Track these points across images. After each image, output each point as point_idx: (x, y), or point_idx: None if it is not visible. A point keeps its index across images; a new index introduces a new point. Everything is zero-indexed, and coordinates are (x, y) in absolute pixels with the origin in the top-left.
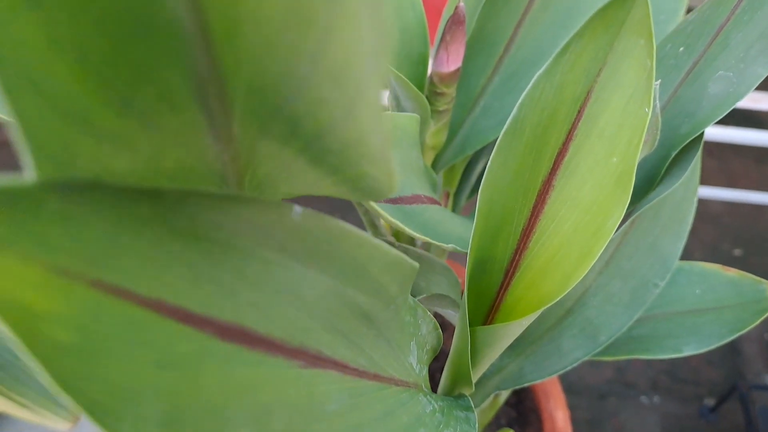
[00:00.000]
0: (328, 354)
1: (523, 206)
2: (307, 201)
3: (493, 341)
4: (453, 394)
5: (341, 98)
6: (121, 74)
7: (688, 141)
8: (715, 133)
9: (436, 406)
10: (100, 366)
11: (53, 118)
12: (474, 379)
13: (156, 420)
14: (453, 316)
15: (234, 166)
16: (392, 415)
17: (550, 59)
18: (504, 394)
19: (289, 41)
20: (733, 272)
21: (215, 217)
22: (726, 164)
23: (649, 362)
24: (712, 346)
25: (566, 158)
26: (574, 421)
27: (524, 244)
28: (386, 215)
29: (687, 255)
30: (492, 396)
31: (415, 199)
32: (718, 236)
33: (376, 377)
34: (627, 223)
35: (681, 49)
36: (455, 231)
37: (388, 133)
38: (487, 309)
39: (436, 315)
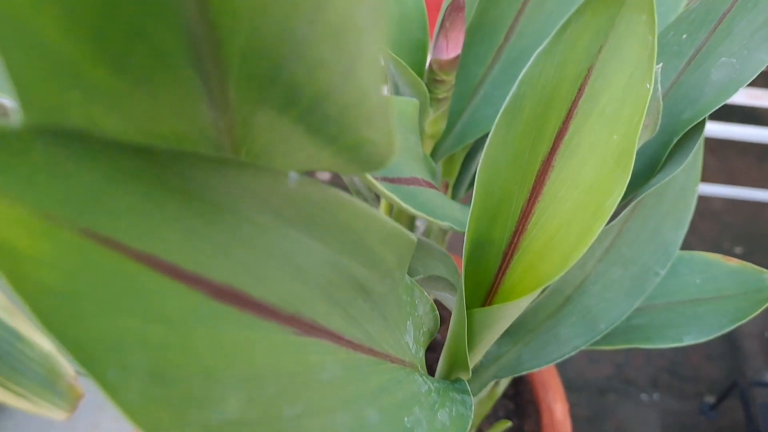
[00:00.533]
0: (323, 324)
1: (522, 187)
2: None
3: (490, 323)
4: (450, 380)
5: (341, 58)
6: (112, 29)
7: (690, 127)
8: (716, 130)
9: (431, 386)
10: (88, 313)
11: (42, 68)
12: (471, 364)
13: (143, 372)
14: (451, 301)
15: (230, 136)
16: (387, 391)
17: (551, 36)
18: (502, 385)
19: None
20: (734, 262)
21: (209, 179)
22: (727, 162)
23: (648, 359)
24: (713, 336)
25: (566, 137)
26: (574, 418)
27: (523, 226)
28: (383, 189)
29: None
30: (490, 386)
31: (413, 181)
32: (719, 234)
33: (371, 352)
34: (628, 209)
35: (684, 36)
36: (453, 214)
37: (386, 91)
38: (484, 293)
39: (436, 305)
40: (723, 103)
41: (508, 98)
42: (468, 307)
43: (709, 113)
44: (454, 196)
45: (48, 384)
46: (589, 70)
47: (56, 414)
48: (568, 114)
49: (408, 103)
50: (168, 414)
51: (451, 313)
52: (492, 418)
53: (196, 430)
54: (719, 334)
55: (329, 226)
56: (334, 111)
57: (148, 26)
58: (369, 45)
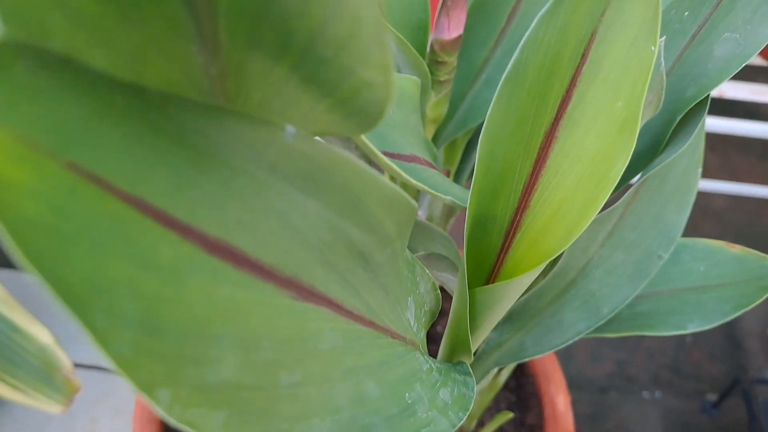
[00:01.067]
0: (322, 290)
1: (524, 160)
2: None
3: (492, 303)
4: (452, 362)
5: None
6: None
7: (693, 104)
8: (718, 125)
9: (433, 366)
10: (74, 250)
11: None
12: (473, 347)
13: (134, 321)
14: (453, 282)
15: (222, 86)
16: (388, 365)
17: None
18: (504, 375)
19: None
20: (737, 249)
21: (202, 125)
22: (729, 161)
23: (650, 357)
24: (717, 323)
25: (570, 107)
26: (575, 415)
27: (526, 202)
28: (385, 159)
29: None
30: (491, 376)
31: (413, 159)
32: (721, 233)
33: (371, 324)
34: (630, 192)
35: (686, 13)
36: (454, 191)
37: (382, 16)
38: (487, 273)
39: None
40: (726, 79)
41: (510, 65)
42: (470, 287)
43: (713, 88)
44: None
45: (44, 376)
46: (593, 35)
47: (52, 407)
48: (571, 82)
49: (409, 81)
50: (161, 369)
51: (451, 304)
52: (494, 410)
53: (190, 388)
54: (723, 321)
55: (326, 185)
56: (329, 51)
57: None
58: None
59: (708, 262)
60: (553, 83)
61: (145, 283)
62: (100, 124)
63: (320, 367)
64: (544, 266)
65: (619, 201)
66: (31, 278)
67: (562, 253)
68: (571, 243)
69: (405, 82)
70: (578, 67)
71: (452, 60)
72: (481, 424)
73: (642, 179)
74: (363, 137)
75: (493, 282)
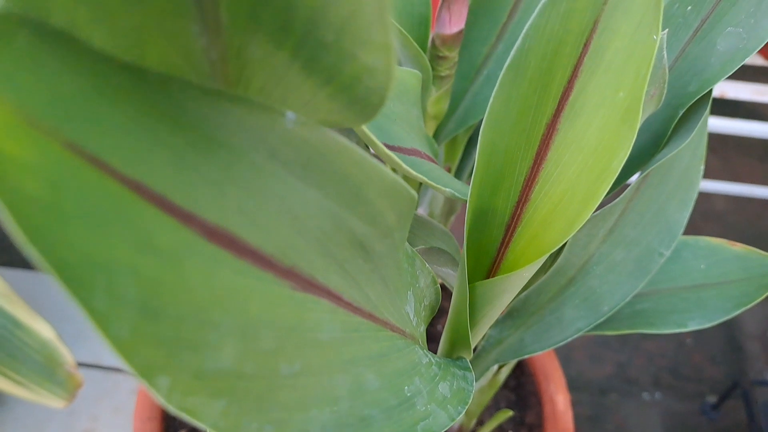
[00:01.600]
0: (322, 281)
1: (526, 152)
2: None
3: (492, 297)
4: (451, 358)
5: None
6: None
7: (696, 99)
8: (719, 125)
9: (432, 360)
10: (73, 230)
11: None
12: (473, 342)
13: (133, 304)
14: (453, 277)
15: (223, 71)
16: (387, 358)
17: None
18: (503, 374)
19: None
20: (738, 247)
21: (202, 108)
22: (730, 162)
23: (650, 359)
24: (717, 321)
25: (572, 97)
26: (575, 417)
27: (526, 195)
28: (386, 150)
29: None
30: (491, 374)
31: (413, 152)
32: (722, 234)
33: (370, 317)
34: (632, 188)
35: (688, 8)
36: (455, 185)
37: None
38: (487, 267)
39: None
40: (729, 74)
41: (512, 53)
42: (470, 281)
43: (716, 83)
44: None
45: (47, 372)
46: (595, 23)
47: (55, 402)
48: (573, 72)
49: (410, 74)
50: (160, 354)
51: (450, 301)
52: (493, 408)
53: (189, 375)
54: (724, 319)
55: (327, 173)
56: (330, 35)
57: None
58: None
59: (709, 260)
60: (555, 73)
61: (145, 266)
62: (100, 104)
63: (319, 358)
64: (545, 261)
65: (620, 197)
66: (33, 277)
67: (562, 249)
68: (571, 235)
69: (406, 75)
70: (581, 56)
71: (453, 55)
72: (480, 422)
73: (643, 175)
74: (364, 128)
75: (493, 275)
